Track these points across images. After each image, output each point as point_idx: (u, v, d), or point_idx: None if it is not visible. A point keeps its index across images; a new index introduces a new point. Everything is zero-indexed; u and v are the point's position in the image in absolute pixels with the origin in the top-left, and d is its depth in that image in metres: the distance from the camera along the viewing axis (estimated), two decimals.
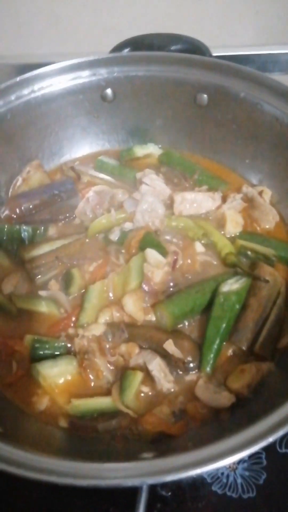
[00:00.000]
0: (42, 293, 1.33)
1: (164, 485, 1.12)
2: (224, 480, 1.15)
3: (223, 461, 0.81)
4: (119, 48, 1.63)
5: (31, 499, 1.11)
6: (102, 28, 1.96)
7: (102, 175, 1.60)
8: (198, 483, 1.14)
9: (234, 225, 1.41)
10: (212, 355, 1.16)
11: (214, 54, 1.58)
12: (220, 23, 1.92)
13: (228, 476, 1.15)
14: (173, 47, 1.57)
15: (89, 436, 1.10)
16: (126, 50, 1.61)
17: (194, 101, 1.53)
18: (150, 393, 1.16)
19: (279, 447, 1.18)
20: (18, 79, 1.48)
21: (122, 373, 1.17)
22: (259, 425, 0.90)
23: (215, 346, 1.17)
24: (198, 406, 1.12)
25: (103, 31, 1.95)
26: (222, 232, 1.41)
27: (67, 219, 1.50)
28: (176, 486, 1.14)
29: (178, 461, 0.83)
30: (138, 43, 1.60)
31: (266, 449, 1.18)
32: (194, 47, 1.55)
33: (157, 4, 1.90)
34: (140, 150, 1.64)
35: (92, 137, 1.70)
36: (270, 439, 0.86)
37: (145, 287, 1.30)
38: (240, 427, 1.04)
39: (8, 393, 1.19)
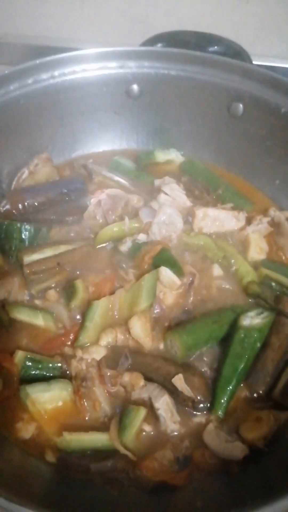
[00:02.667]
0: (39, 303, 1.21)
1: None
2: None
3: None
4: (151, 42, 1.52)
5: None
6: (130, 18, 1.81)
7: (116, 177, 1.48)
8: None
9: (258, 250, 1.31)
10: (226, 398, 1.05)
11: (255, 63, 1.46)
12: (262, 29, 1.79)
13: None
14: (210, 49, 1.45)
15: (79, 476, 0.97)
16: (158, 45, 1.49)
17: (227, 110, 1.43)
18: (152, 433, 1.04)
19: None
20: (38, 61, 1.37)
21: (122, 407, 1.05)
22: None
23: (230, 388, 1.06)
24: (206, 455, 1.00)
25: (131, 21, 1.81)
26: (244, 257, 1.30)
27: (73, 222, 1.37)
28: None
29: None
30: (172, 39, 1.49)
31: None
32: (234, 52, 1.43)
33: (195, 1, 1.76)
34: (161, 155, 1.54)
35: (110, 134, 1.59)
36: None
37: (155, 310, 1.19)
38: (252, 484, 0.94)
39: None
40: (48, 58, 1.38)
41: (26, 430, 1.04)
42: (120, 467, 0.98)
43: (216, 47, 1.47)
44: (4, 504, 0.73)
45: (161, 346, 1.14)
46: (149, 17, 1.78)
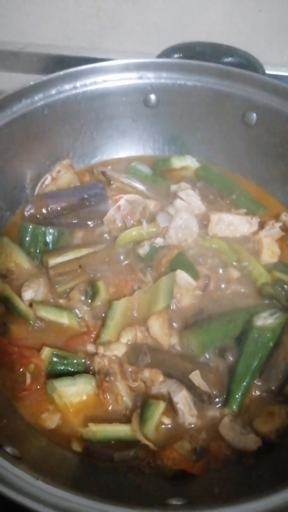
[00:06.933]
0: (63, 302, 1.27)
1: None
2: None
3: None
4: (168, 53, 1.55)
5: None
6: (147, 28, 1.87)
7: (134, 183, 1.53)
8: None
9: (270, 254, 1.35)
10: (240, 393, 1.10)
11: (268, 72, 1.51)
12: (274, 37, 1.83)
13: None
14: (225, 59, 1.49)
15: (104, 464, 1.03)
16: (175, 56, 1.53)
17: (241, 119, 1.47)
18: (170, 425, 1.09)
19: None
20: (61, 73, 1.42)
21: (143, 400, 1.11)
22: None
23: (245, 384, 1.11)
24: (222, 446, 1.05)
25: (148, 31, 1.87)
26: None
27: (94, 226, 1.43)
28: None
29: None
30: (188, 50, 1.52)
31: None
32: (248, 63, 1.47)
33: (208, 9, 1.82)
34: (178, 162, 1.59)
35: (128, 141, 1.63)
36: None
37: (173, 310, 1.24)
38: (265, 474, 1.00)
39: (18, 405, 1.12)
40: (71, 70, 1.43)
41: (51, 420, 1.09)
42: (142, 456, 1.03)
43: (230, 58, 1.50)
44: (42, 486, 0.80)
45: (178, 344, 1.19)
46: (164, 26, 1.83)
